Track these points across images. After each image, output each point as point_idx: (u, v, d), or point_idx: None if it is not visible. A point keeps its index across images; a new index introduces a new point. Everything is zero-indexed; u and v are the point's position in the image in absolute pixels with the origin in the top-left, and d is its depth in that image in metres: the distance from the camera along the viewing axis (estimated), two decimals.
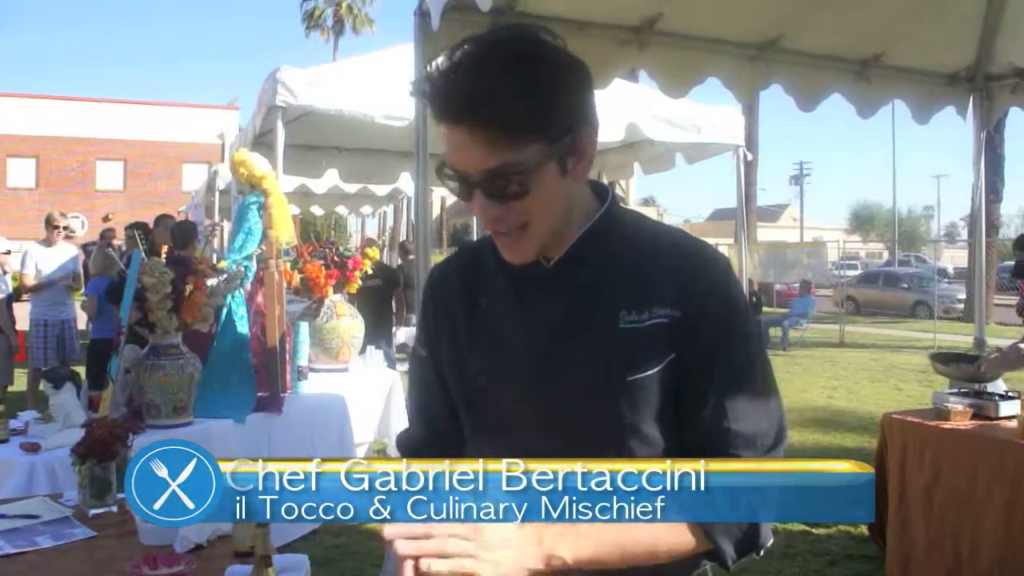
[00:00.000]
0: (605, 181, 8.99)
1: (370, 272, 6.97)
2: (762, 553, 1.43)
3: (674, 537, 1.35)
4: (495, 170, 1.29)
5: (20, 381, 9.60)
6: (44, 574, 2.50)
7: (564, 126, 1.32)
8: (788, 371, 15.09)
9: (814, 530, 6.21)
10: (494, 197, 1.32)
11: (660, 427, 1.43)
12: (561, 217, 1.40)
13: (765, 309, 21.82)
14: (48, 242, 9.35)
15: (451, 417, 1.60)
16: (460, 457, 1.56)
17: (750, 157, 8.07)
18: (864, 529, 5.86)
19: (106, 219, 11.44)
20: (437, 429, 1.62)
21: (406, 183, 9.80)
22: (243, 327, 5.06)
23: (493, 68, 1.27)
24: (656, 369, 1.39)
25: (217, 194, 11.50)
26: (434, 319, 1.61)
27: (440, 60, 1.31)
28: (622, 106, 6.94)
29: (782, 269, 20.71)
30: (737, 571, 4.67)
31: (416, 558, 1.21)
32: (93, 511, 3.01)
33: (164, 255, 4.97)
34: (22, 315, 9.11)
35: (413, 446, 1.65)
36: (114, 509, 3.04)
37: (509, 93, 1.26)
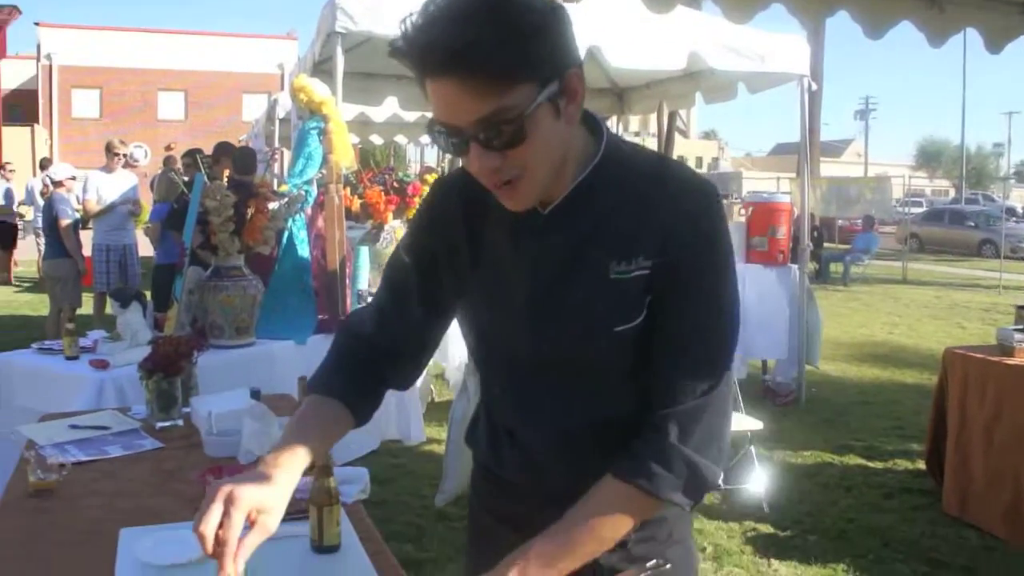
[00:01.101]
0: (666, 111, 8.87)
1: None
2: (720, 487, 1.48)
3: (628, 510, 1.42)
4: (488, 118, 1.26)
5: (87, 304, 9.83)
6: (115, 481, 2.57)
7: (551, 67, 1.29)
8: (848, 306, 14.97)
9: (870, 463, 6.21)
10: (491, 147, 1.29)
11: (645, 371, 1.46)
12: (558, 161, 1.38)
13: (826, 245, 21.55)
14: (109, 169, 9.48)
15: (400, 326, 1.61)
16: (385, 370, 1.61)
17: (814, 87, 7.89)
18: (921, 463, 5.84)
19: (168, 148, 11.58)
20: (382, 332, 1.61)
21: None
22: (304, 251, 5.11)
23: (472, 17, 1.22)
24: (641, 318, 1.41)
25: (277, 123, 11.53)
26: (431, 234, 1.60)
27: (413, 16, 1.26)
28: (684, 34, 6.82)
29: (845, 204, 20.29)
30: (792, 502, 4.71)
31: None
32: (160, 424, 3.09)
33: (226, 180, 5.01)
34: (85, 241, 9.28)
35: (346, 347, 1.63)
36: (179, 423, 3.12)
37: (492, 39, 1.22)
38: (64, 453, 2.72)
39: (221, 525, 1.27)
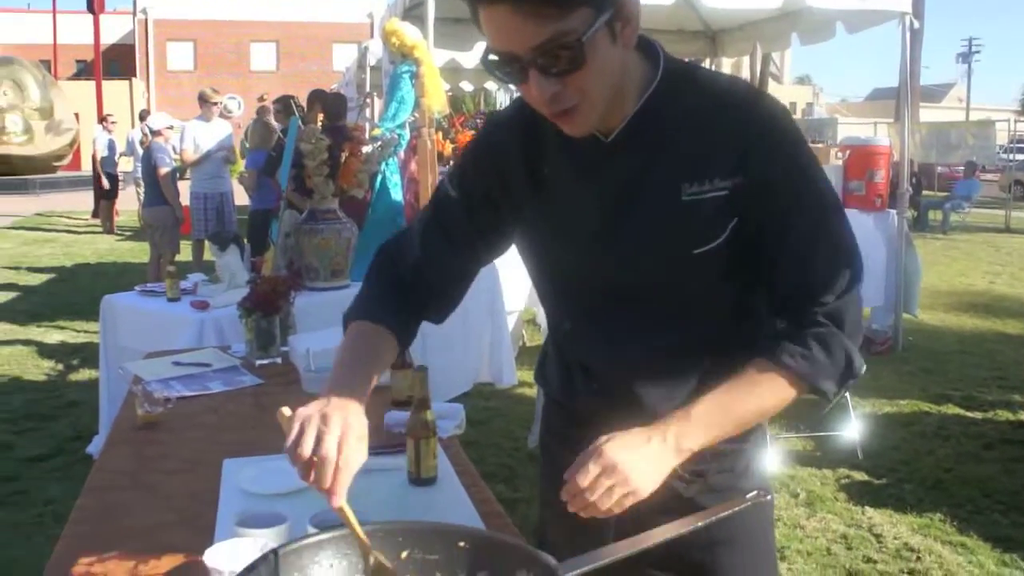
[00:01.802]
0: (760, 54, 8.67)
1: None
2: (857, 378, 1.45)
3: (776, 393, 1.40)
4: (547, 43, 1.23)
5: (185, 251, 10.07)
6: (217, 414, 2.64)
7: None
8: (947, 254, 14.58)
9: (969, 413, 6.07)
10: (550, 73, 1.27)
11: (727, 290, 1.46)
12: (617, 87, 1.35)
13: (925, 192, 20.96)
14: (204, 118, 9.64)
15: (444, 259, 1.60)
16: (426, 297, 1.60)
17: (916, 25, 7.61)
18: (1023, 413, 5.69)
19: (261, 99, 11.68)
20: (425, 261, 1.60)
21: None
22: (397, 194, 5.15)
23: None
24: (721, 239, 1.39)
25: (368, 70, 11.57)
26: (483, 169, 1.58)
27: None
28: None
29: (945, 150, 19.76)
30: (888, 449, 4.63)
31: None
32: (259, 361, 3.15)
33: (320, 125, 5.05)
34: (183, 190, 9.49)
35: (387, 273, 1.63)
36: (278, 361, 3.18)
37: None
38: (169, 388, 2.80)
39: (316, 449, 1.26)
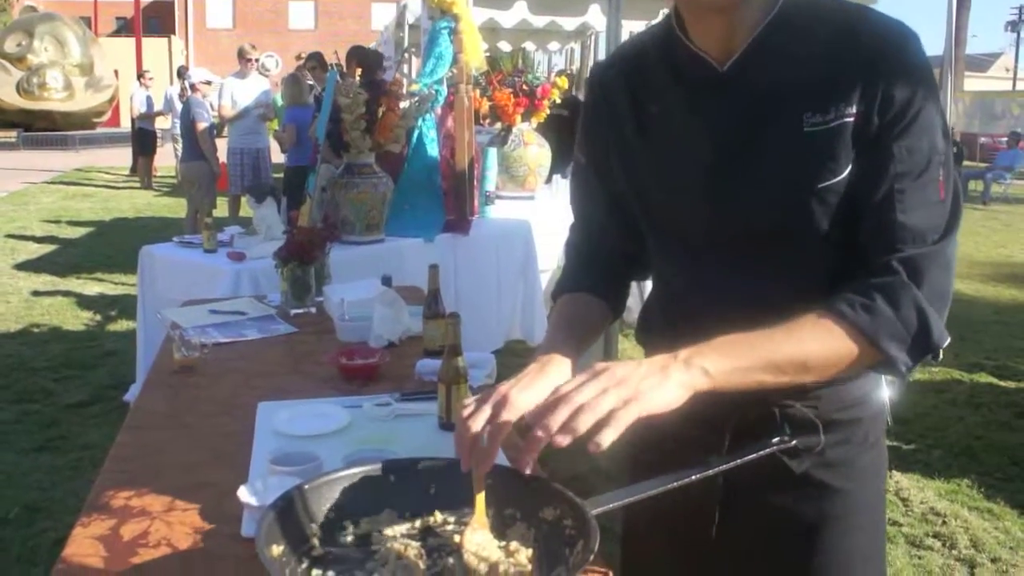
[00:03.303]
0: None
1: (558, 102, 6.93)
2: (940, 356, 1.30)
3: (825, 343, 1.25)
4: None
5: (221, 207, 10.15)
6: (252, 361, 2.67)
7: None
8: (986, 225, 14.42)
9: (1002, 382, 6.03)
10: None
11: (851, 227, 1.32)
12: None
13: (967, 162, 20.65)
14: (242, 74, 9.67)
15: (609, 224, 1.57)
16: (617, 261, 1.59)
17: None
18: None
19: (298, 58, 11.68)
20: (593, 234, 1.60)
21: (595, 16, 9.58)
22: (433, 150, 5.15)
23: None
24: (846, 172, 1.29)
25: (407, 29, 11.52)
26: (597, 126, 1.54)
27: None
28: None
29: (989, 120, 19.49)
30: (918, 415, 4.61)
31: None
32: (294, 311, 3.19)
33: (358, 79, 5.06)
34: (220, 147, 9.55)
35: (573, 250, 1.64)
36: (312, 310, 3.21)
37: None
38: (205, 334, 2.83)
39: (490, 424, 1.19)
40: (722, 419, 1.41)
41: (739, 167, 1.35)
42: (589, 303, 1.54)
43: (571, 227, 1.67)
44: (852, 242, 1.32)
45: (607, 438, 1.09)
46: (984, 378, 6.12)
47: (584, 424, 1.09)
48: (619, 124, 1.49)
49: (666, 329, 1.53)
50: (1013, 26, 67.29)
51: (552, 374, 1.29)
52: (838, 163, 1.29)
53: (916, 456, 4.69)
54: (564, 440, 1.10)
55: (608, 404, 1.10)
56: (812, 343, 1.24)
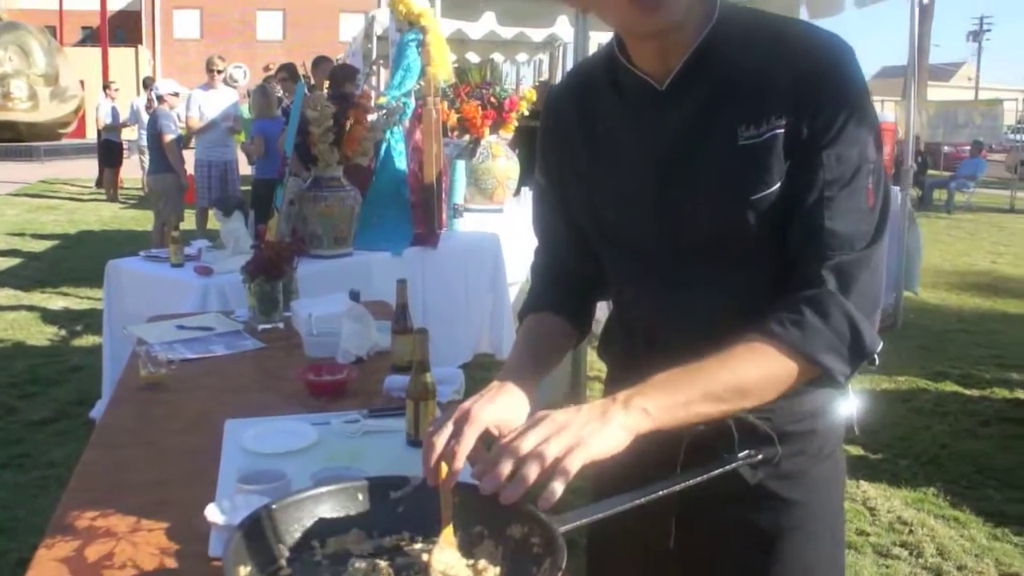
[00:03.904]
0: None
1: (527, 114, 6.94)
2: (876, 361, 1.33)
3: (760, 367, 1.27)
4: None
5: (189, 219, 10.09)
6: (220, 377, 2.66)
7: None
8: (950, 234, 14.59)
9: (967, 391, 6.10)
10: None
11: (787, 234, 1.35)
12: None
13: (931, 171, 20.92)
14: (209, 86, 9.63)
15: (571, 244, 1.59)
16: (581, 281, 1.61)
17: (925, 1, 7.58)
18: (1021, 392, 5.73)
19: (266, 69, 11.66)
20: (558, 255, 1.63)
21: (563, 28, 9.63)
22: (401, 163, 5.15)
23: None
24: (779, 184, 1.31)
25: (375, 40, 11.52)
26: (552, 152, 1.58)
27: None
28: None
29: (952, 129, 19.66)
30: (885, 425, 4.64)
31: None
32: (262, 326, 3.18)
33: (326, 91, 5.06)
34: (188, 159, 9.50)
35: (538, 272, 1.67)
36: (280, 326, 3.20)
37: None
38: (172, 350, 2.82)
39: (453, 440, 1.21)
40: (678, 433, 1.43)
41: (679, 181, 1.38)
42: (554, 323, 1.57)
43: (535, 249, 1.69)
44: (785, 249, 1.34)
45: (557, 490, 1.12)
46: (949, 387, 6.19)
47: (531, 474, 1.12)
48: (570, 145, 1.52)
49: (625, 342, 1.58)
50: (974, 36, 68.30)
51: (514, 391, 1.33)
52: (771, 174, 1.32)
53: (883, 466, 4.73)
54: (514, 495, 1.12)
55: (552, 452, 1.12)
56: (747, 368, 1.27)
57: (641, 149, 1.41)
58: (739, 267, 1.39)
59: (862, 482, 4.48)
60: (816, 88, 1.29)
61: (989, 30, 69.86)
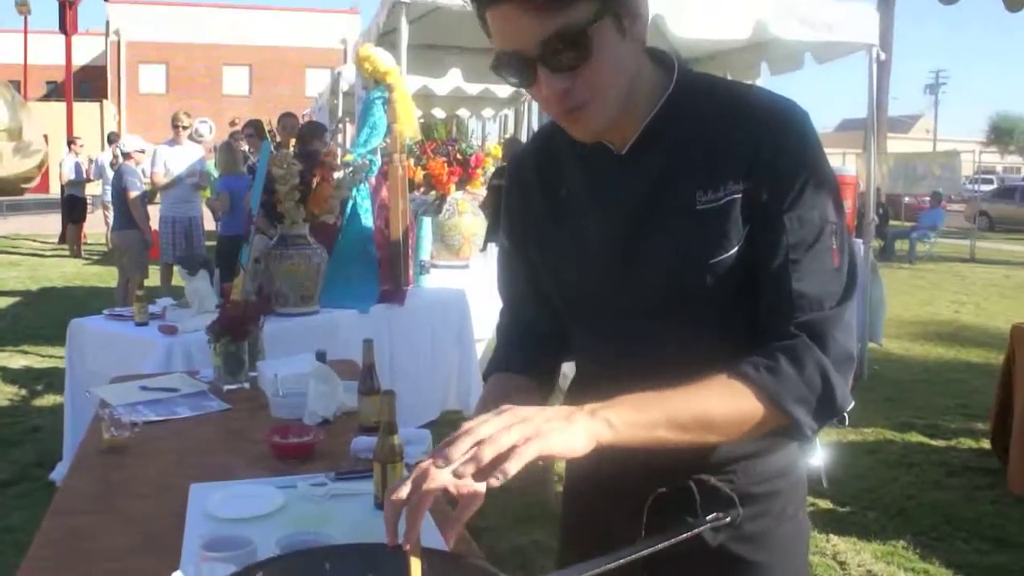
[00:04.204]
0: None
1: (492, 170, 6.99)
2: (846, 421, 1.36)
3: (728, 403, 1.28)
4: (552, 37, 1.22)
5: (153, 275, 10.01)
6: (185, 439, 2.63)
7: None
8: (913, 284, 14.75)
9: (933, 441, 6.14)
10: (559, 68, 1.25)
11: (750, 301, 1.37)
12: (629, 87, 1.33)
13: (892, 222, 21.21)
14: (175, 142, 9.62)
15: (535, 305, 1.61)
16: (545, 342, 1.62)
17: (883, 57, 7.73)
18: (986, 442, 5.76)
19: (232, 123, 11.69)
20: (522, 316, 1.64)
21: None
22: (367, 220, 5.16)
23: None
24: (736, 247, 1.34)
25: (341, 96, 11.60)
26: (516, 215, 1.60)
27: None
28: (749, 3, 6.72)
29: (912, 180, 19.99)
30: (853, 477, 4.65)
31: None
32: (227, 387, 3.15)
33: (292, 149, 5.07)
34: (152, 214, 9.45)
35: (502, 333, 1.69)
36: (246, 386, 3.17)
37: None
38: (135, 412, 2.78)
39: (411, 499, 1.20)
40: (639, 495, 1.43)
41: (638, 245, 1.40)
42: (518, 382, 1.57)
43: (500, 310, 1.71)
44: (754, 313, 1.36)
45: (511, 469, 1.11)
46: (915, 437, 6.22)
47: (486, 455, 1.11)
48: (533, 208, 1.55)
49: (589, 398, 1.57)
50: (931, 89, 69.70)
51: None
52: (728, 239, 1.34)
53: (852, 518, 4.73)
54: (464, 471, 1.11)
55: (510, 439, 1.12)
56: (716, 402, 1.27)
57: (602, 213, 1.43)
58: (700, 329, 1.40)
59: (831, 535, 4.48)
60: (773, 153, 1.32)
61: (945, 83, 71.49)
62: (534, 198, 1.54)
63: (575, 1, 1.22)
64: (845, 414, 1.33)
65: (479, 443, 1.12)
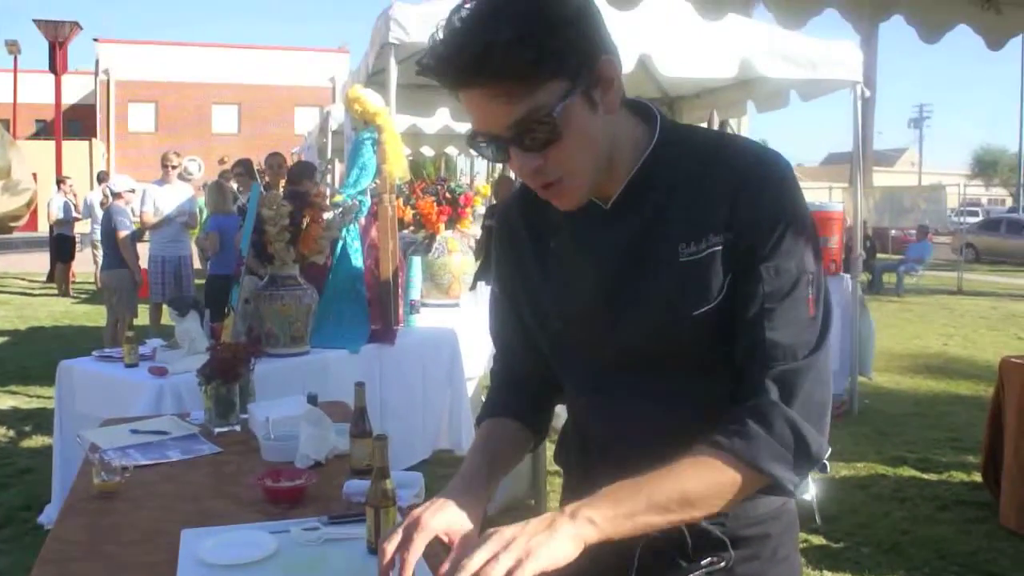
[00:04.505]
0: (717, 120, 8.84)
1: (483, 210, 7.02)
2: (827, 468, 1.36)
3: (704, 478, 1.28)
4: (521, 121, 1.25)
5: (142, 315, 9.99)
6: (176, 483, 2.62)
7: (579, 59, 1.26)
8: (901, 317, 14.79)
9: (924, 475, 6.14)
10: (529, 149, 1.29)
11: (730, 349, 1.38)
12: (605, 154, 1.36)
13: (879, 255, 21.32)
14: (165, 181, 9.64)
15: (527, 352, 1.64)
16: (536, 388, 1.65)
17: (867, 94, 7.82)
18: (977, 475, 5.76)
19: (221, 162, 11.73)
20: (514, 362, 1.68)
21: None
22: (358, 260, 5.16)
23: (489, 20, 1.22)
24: (719, 299, 1.36)
25: (330, 135, 11.64)
26: (505, 263, 1.63)
27: (438, 32, 1.27)
28: (735, 42, 6.80)
29: (898, 213, 20.11)
30: (845, 513, 4.64)
31: None
32: (218, 429, 3.14)
33: (282, 189, 5.09)
34: (142, 252, 9.45)
35: (495, 378, 1.73)
36: (237, 428, 3.16)
37: (509, 39, 1.20)
38: (126, 456, 2.77)
39: (402, 547, 1.29)
40: (630, 541, 1.43)
41: (624, 297, 1.42)
42: (510, 427, 1.61)
43: (493, 356, 1.75)
44: (731, 361, 1.38)
45: None
46: (907, 472, 6.22)
47: None
48: (521, 257, 1.58)
49: (580, 451, 1.61)
50: (915, 123, 70.32)
51: (464, 498, 1.38)
52: (711, 291, 1.36)
53: (846, 554, 4.72)
54: None
55: (503, 567, 1.14)
56: (692, 480, 1.28)
57: (588, 265, 1.46)
58: (686, 379, 1.42)
59: (826, 572, 4.47)
60: (752, 204, 1.34)
61: (929, 117, 72.19)
62: (522, 248, 1.57)
63: (542, 84, 1.24)
64: (825, 462, 1.34)
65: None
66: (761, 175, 1.36)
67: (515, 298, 1.62)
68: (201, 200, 10.59)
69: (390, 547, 1.28)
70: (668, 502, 1.26)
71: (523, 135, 1.27)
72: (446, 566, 1.19)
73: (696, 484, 1.28)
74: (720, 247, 1.35)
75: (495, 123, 1.28)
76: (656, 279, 1.39)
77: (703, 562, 1.45)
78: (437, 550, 1.27)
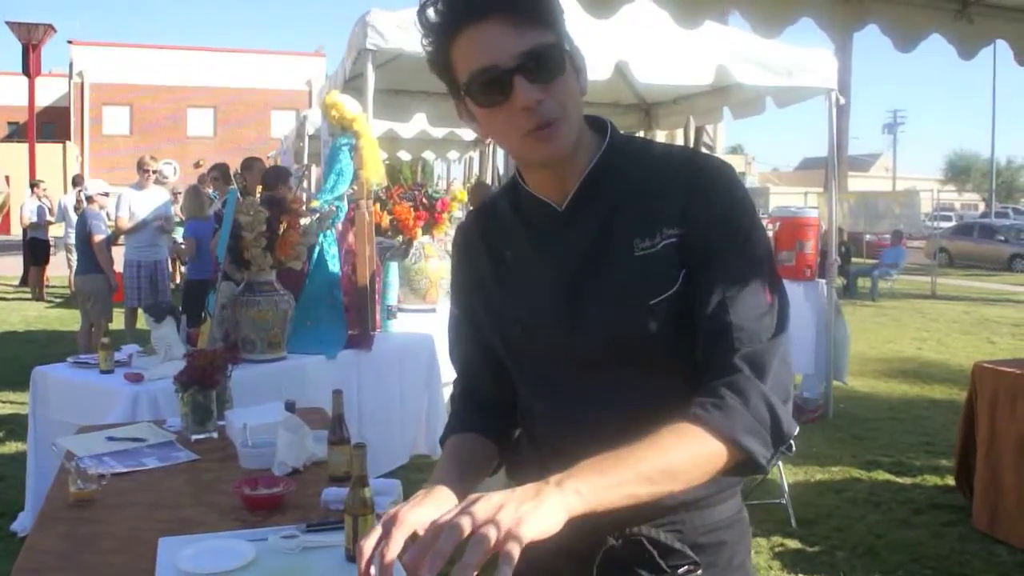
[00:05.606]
0: (693, 126, 8.88)
1: (459, 215, 7.02)
2: (793, 448, 1.37)
3: (686, 448, 1.28)
4: (531, 51, 1.33)
5: (117, 319, 9.92)
6: (153, 491, 2.62)
7: (566, 32, 1.40)
8: (876, 321, 14.89)
9: (899, 479, 6.19)
10: (536, 78, 1.34)
11: (690, 339, 1.41)
12: (579, 123, 1.43)
13: (854, 260, 21.46)
14: (140, 185, 9.59)
15: (486, 369, 1.66)
16: (497, 408, 1.66)
17: (842, 101, 7.88)
18: (951, 479, 5.81)
19: (197, 165, 11.72)
20: (475, 382, 1.70)
21: None
22: (334, 266, 5.16)
23: None
24: (674, 288, 1.40)
25: (306, 139, 11.62)
26: (463, 280, 1.67)
27: None
28: (711, 49, 6.84)
29: (873, 219, 20.28)
30: (820, 516, 4.68)
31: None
32: (195, 436, 3.13)
33: (259, 195, 5.07)
34: (117, 257, 9.39)
35: (456, 402, 1.74)
36: (214, 435, 3.16)
37: None
38: (102, 464, 2.77)
39: (381, 544, 1.25)
40: (589, 551, 1.45)
41: (583, 294, 1.46)
42: (475, 442, 1.62)
43: (454, 380, 1.77)
44: (694, 357, 1.41)
45: (506, 574, 1.09)
46: (882, 475, 6.27)
47: (475, 557, 1.09)
48: (479, 273, 1.62)
49: (534, 460, 1.58)
50: (890, 128, 70.81)
51: (441, 495, 1.38)
52: (667, 280, 1.41)
53: (821, 558, 4.75)
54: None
55: (492, 534, 1.10)
56: (675, 450, 1.28)
57: (546, 268, 1.50)
58: (644, 376, 1.45)
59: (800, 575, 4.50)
60: (705, 199, 1.41)
61: (903, 122, 72.70)
62: (480, 261, 1.61)
63: (550, 25, 1.36)
64: (792, 442, 1.36)
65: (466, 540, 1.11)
66: (712, 174, 1.44)
67: (472, 313, 1.65)
68: (179, 205, 10.54)
69: (368, 544, 1.26)
70: (652, 472, 1.25)
71: (531, 63, 1.33)
72: (442, 520, 1.14)
73: (678, 455, 1.28)
74: (675, 239, 1.41)
75: (504, 53, 1.33)
76: (613, 274, 1.44)
77: (680, 571, 1.46)
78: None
